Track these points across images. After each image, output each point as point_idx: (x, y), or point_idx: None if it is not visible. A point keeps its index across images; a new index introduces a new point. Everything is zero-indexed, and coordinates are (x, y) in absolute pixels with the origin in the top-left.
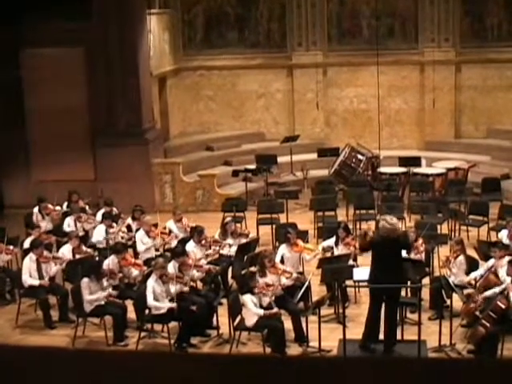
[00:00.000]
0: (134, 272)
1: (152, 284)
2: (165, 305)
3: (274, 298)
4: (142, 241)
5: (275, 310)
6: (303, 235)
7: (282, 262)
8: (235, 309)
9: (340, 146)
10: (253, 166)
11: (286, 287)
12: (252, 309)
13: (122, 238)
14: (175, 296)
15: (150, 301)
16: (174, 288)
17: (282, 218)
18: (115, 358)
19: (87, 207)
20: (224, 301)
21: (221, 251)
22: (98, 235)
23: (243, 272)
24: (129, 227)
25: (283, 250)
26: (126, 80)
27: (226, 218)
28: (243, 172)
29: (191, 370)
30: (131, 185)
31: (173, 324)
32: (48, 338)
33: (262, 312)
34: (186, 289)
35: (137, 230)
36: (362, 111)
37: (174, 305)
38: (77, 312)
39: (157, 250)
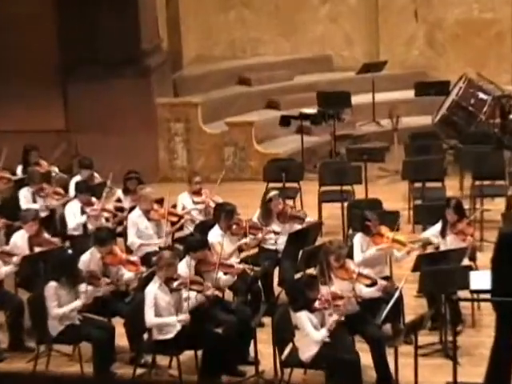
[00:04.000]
0: (126, 274)
1: (154, 292)
2: (175, 319)
3: (343, 317)
4: (139, 226)
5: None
6: (392, 219)
7: None
8: (284, 332)
9: (451, 79)
10: (313, 110)
11: (364, 300)
12: (311, 333)
13: (108, 220)
14: (189, 312)
15: (151, 318)
16: (190, 299)
17: (359, 193)
18: None
19: (54, 171)
20: (267, 320)
21: (262, 243)
22: (71, 217)
23: (297, 276)
24: (119, 205)
25: (359, 242)
26: None
27: (270, 192)
28: (297, 119)
29: None
30: (123, 139)
31: (186, 355)
32: None
33: (325, 333)
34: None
35: (131, 208)
36: (487, 24)
37: (187, 317)
38: (37, 336)
39: (160, 237)
